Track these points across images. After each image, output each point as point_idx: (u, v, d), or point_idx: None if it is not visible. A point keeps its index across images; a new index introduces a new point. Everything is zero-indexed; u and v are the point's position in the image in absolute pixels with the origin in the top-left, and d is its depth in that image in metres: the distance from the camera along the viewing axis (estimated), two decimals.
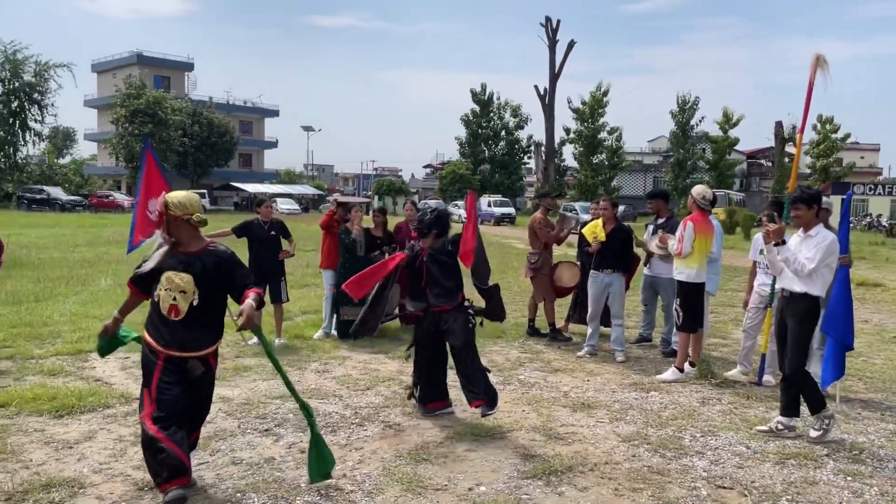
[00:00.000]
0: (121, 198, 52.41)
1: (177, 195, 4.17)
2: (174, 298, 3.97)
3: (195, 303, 3.99)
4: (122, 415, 5.52)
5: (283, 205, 51.97)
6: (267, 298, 8.00)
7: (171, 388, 3.94)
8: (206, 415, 4.42)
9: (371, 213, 8.87)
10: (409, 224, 8.84)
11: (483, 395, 5.40)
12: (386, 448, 4.96)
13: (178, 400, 3.95)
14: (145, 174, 7.30)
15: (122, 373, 6.77)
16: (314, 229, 9.34)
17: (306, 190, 68.93)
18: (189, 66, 69.30)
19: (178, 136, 54.20)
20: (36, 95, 49.12)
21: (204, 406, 4.32)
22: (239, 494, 4.15)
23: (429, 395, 5.76)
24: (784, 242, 5.38)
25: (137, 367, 6.89)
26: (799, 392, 5.39)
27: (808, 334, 5.45)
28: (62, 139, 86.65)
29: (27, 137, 50.41)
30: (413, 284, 7.75)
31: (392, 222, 9.27)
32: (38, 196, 49.49)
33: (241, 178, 64.94)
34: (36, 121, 49.99)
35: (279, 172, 77.63)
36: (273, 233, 8.14)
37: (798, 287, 5.36)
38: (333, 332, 8.54)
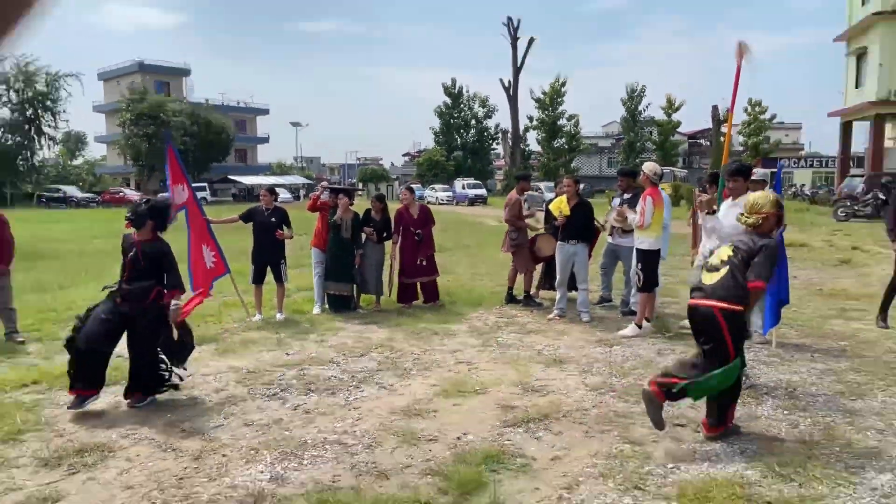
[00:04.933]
0: (130, 193, 51.43)
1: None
2: None
3: None
4: None
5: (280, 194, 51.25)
6: (270, 277, 8.01)
7: None
8: None
9: (371, 200, 8.80)
10: (407, 209, 8.78)
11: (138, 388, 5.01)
12: (381, 406, 4.96)
13: None
14: (170, 166, 7.42)
15: None
16: (305, 215, 9.25)
17: (297, 180, 68.09)
18: (186, 72, 67.83)
19: (179, 136, 53.22)
20: (48, 103, 48.48)
21: None
22: (253, 452, 4.15)
23: (85, 381, 4.84)
24: (715, 212, 5.44)
25: None
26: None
27: None
28: (74, 142, 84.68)
29: (42, 142, 50.26)
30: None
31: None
32: (55, 195, 48.53)
33: (238, 172, 64.00)
34: (50, 126, 49.63)
35: (272, 165, 76.74)
36: (273, 219, 7.99)
37: None
38: (326, 305, 8.51)
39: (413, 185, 10.33)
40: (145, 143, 52.58)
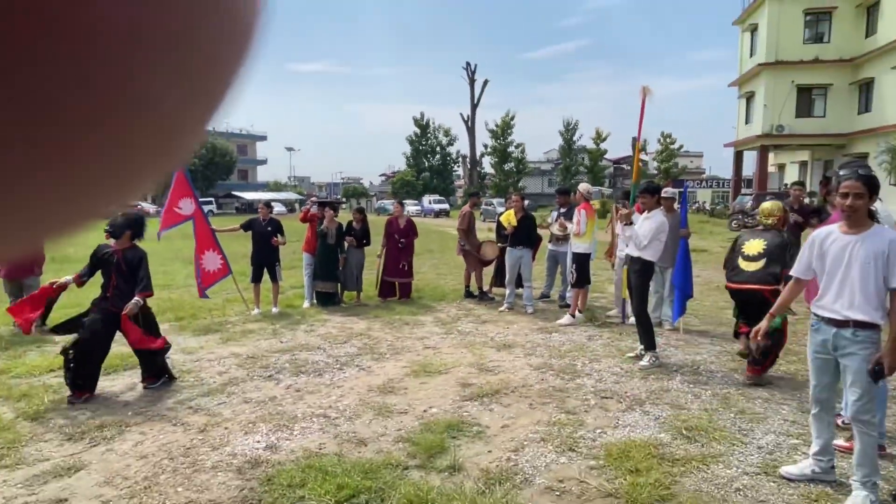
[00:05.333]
0: (146, 206, 50.08)
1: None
2: None
3: None
4: None
5: (275, 208, 50.31)
6: (267, 276, 7.87)
7: None
8: None
9: (352, 212, 8.78)
10: (396, 219, 8.75)
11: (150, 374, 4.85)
12: (360, 385, 4.92)
13: None
14: (175, 181, 7.17)
15: None
16: (297, 225, 9.13)
17: (290, 196, 67.20)
18: None
19: (189, 158, 51.93)
20: None
21: None
22: (251, 425, 4.06)
23: (83, 383, 4.52)
24: (632, 223, 5.53)
25: (167, 334, 6.65)
26: (644, 327, 5.43)
27: (644, 285, 5.51)
28: None
29: None
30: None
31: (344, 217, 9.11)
32: None
33: (240, 189, 62.79)
34: None
35: (269, 183, 75.56)
36: (269, 228, 7.87)
37: (636, 252, 5.50)
38: (314, 301, 8.40)
39: (388, 201, 10.26)
40: None
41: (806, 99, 27.85)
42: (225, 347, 6.15)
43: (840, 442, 3.56)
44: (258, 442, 3.78)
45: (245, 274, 8.15)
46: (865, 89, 26.33)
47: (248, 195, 58.79)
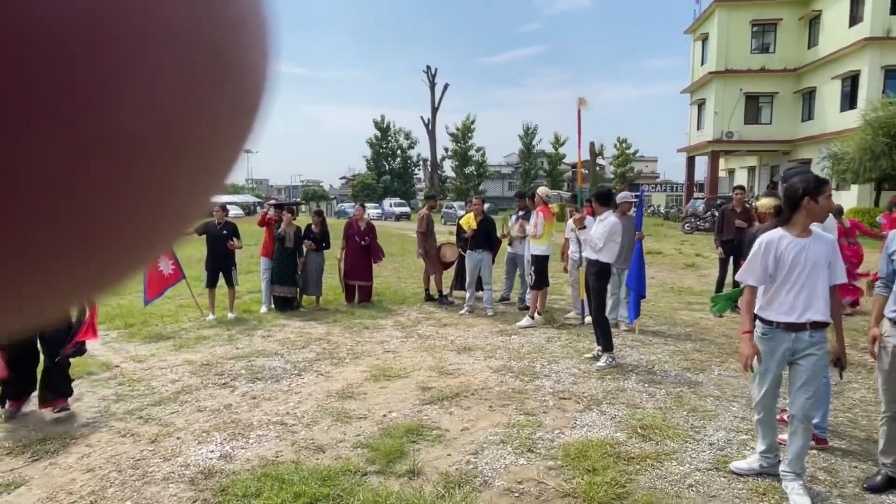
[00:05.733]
0: None
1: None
2: None
3: None
4: (105, 380, 5.10)
5: (231, 210, 49.18)
6: (222, 281, 7.68)
7: None
8: None
9: (311, 215, 8.63)
10: (357, 221, 8.65)
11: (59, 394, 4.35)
12: (319, 391, 4.85)
13: None
14: None
15: (102, 346, 6.27)
16: (254, 229, 8.96)
17: (248, 198, 65.82)
18: None
19: None
20: None
21: None
22: (204, 434, 3.95)
23: (16, 393, 4.30)
24: (585, 227, 5.66)
25: (116, 342, 6.45)
26: (602, 329, 5.52)
27: (602, 288, 5.61)
28: None
29: None
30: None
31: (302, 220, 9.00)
32: None
33: None
34: None
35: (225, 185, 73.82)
36: (225, 232, 7.69)
37: (593, 255, 5.61)
38: (272, 306, 8.24)
39: (348, 204, 10.17)
40: None
41: (754, 106, 29.01)
42: (178, 354, 5.97)
43: (785, 437, 3.70)
44: (212, 451, 3.68)
45: (199, 279, 7.94)
46: (808, 98, 27.60)
47: None
